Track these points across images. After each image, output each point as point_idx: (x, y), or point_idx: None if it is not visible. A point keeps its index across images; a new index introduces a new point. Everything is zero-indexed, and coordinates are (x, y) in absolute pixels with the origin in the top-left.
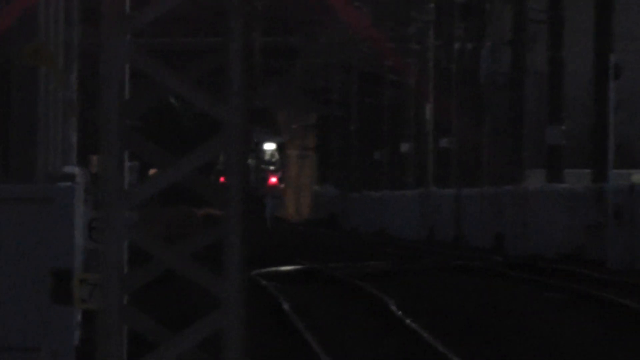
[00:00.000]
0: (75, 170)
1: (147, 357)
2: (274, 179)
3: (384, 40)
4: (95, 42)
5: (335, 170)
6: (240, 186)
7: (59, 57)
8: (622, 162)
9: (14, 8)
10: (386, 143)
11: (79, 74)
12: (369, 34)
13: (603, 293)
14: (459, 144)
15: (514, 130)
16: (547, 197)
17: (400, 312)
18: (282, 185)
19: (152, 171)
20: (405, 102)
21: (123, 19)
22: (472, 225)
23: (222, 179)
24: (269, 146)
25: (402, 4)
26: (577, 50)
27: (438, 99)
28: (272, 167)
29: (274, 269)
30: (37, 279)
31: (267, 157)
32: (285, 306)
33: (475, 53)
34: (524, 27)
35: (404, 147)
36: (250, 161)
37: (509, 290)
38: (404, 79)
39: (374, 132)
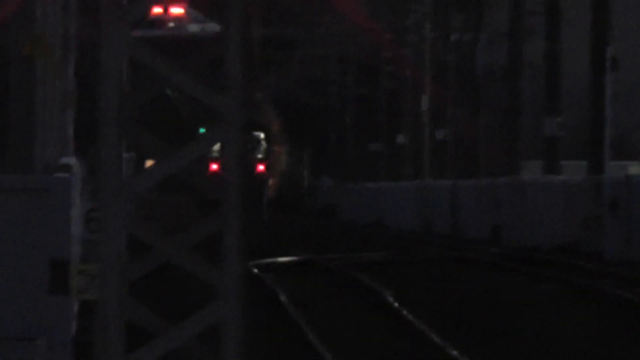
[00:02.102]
0: (72, 161)
1: (145, 348)
2: (261, 167)
3: (381, 32)
4: (94, 33)
5: (332, 161)
6: (238, 177)
7: (57, 48)
8: (619, 154)
9: None
10: (383, 134)
11: (76, 65)
12: (366, 25)
13: (599, 285)
14: (456, 136)
15: (511, 121)
16: (544, 189)
17: (397, 304)
18: (274, 179)
19: (149, 162)
20: (401, 93)
21: (122, 9)
22: (469, 217)
23: (213, 165)
24: (257, 134)
25: None
26: (574, 42)
27: (435, 91)
28: (259, 156)
29: (270, 260)
30: (34, 269)
31: (255, 146)
32: (282, 298)
33: (472, 45)
34: (521, 19)
35: (400, 138)
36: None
37: (505, 282)
38: (401, 71)
39: (371, 123)
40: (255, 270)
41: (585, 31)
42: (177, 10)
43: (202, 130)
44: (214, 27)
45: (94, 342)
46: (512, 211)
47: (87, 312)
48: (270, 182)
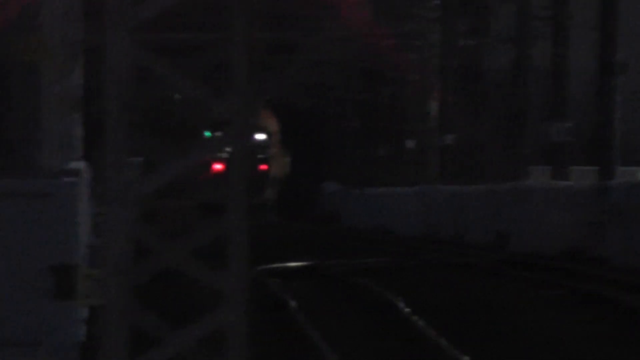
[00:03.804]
0: (79, 165)
1: (149, 353)
2: (262, 167)
3: (385, 37)
4: (99, 38)
5: (335, 166)
6: (243, 180)
7: (62, 52)
8: (628, 160)
9: (16, 2)
10: (387, 140)
11: (83, 70)
12: (371, 30)
13: (604, 291)
14: (461, 141)
15: (516, 127)
16: (549, 194)
17: (407, 309)
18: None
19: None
20: (406, 98)
21: (127, 14)
22: (473, 222)
23: (216, 165)
24: (260, 136)
25: (404, 0)
26: (580, 46)
27: (440, 96)
28: (261, 156)
29: (275, 265)
30: (40, 274)
31: (258, 147)
32: (290, 303)
33: (478, 50)
34: (527, 24)
35: (408, 143)
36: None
37: (509, 288)
38: (405, 76)
39: (375, 128)
40: (261, 276)
41: (592, 34)
42: None
43: (207, 133)
44: None
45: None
46: (517, 217)
47: (97, 317)
48: (272, 180)
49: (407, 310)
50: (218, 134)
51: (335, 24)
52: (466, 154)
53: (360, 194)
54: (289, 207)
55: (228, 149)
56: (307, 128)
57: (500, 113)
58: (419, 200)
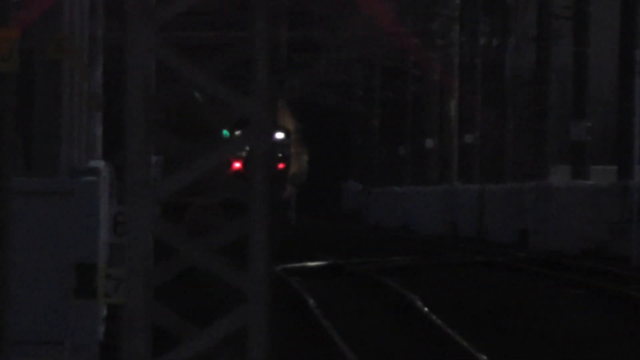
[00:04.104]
0: (100, 164)
1: (171, 353)
2: (281, 165)
3: (407, 36)
4: (121, 36)
5: (357, 165)
6: (264, 179)
7: (84, 50)
8: None
9: (38, 1)
10: (409, 138)
11: (104, 68)
12: (393, 29)
13: (627, 289)
14: (483, 140)
15: (538, 126)
16: (571, 193)
17: (426, 309)
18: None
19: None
20: (428, 97)
21: (149, 12)
22: (495, 221)
23: (235, 164)
24: (279, 135)
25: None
26: (601, 46)
27: (462, 95)
28: (280, 155)
29: (297, 264)
30: (61, 273)
31: (277, 145)
32: (309, 302)
33: (500, 49)
34: (548, 23)
35: (429, 142)
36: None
37: (531, 287)
38: (427, 75)
39: (397, 127)
40: (282, 274)
41: (612, 34)
42: None
43: (225, 132)
44: None
45: (120, 346)
46: (539, 216)
47: (115, 315)
48: (293, 185)
49: (425, 309)
50: (237, 132)
51: (358, 23)
52: (487, 153)
53: (382, 193)
54: (310, 205)
55: (247, 148)
56: (327, 126)
57: (521, 112)
58: (441, 199)
